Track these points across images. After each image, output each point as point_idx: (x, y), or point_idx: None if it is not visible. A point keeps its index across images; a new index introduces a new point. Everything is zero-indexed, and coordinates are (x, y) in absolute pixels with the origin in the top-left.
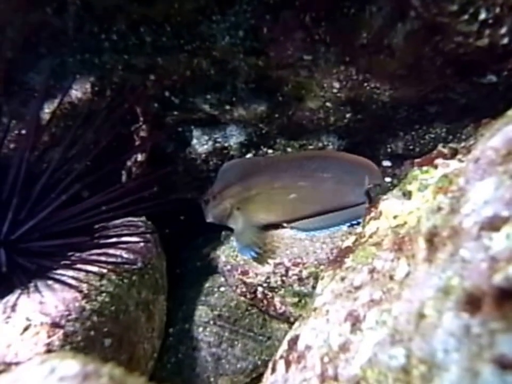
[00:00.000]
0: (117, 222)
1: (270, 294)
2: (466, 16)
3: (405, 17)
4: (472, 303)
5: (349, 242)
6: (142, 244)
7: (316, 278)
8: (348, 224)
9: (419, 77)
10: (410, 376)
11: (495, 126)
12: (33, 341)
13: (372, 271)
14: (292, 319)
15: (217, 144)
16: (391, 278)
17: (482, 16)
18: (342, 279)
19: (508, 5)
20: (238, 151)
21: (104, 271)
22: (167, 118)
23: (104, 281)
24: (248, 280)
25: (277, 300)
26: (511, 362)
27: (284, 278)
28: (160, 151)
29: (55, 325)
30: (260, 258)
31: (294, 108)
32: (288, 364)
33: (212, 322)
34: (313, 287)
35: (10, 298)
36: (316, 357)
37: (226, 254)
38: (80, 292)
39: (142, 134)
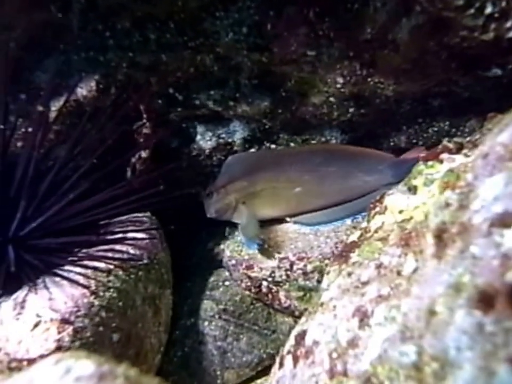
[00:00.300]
0: (123, 218)
1: (274, 288)
2: (472, 10)
3: (409, 12)
4: (484, 300)
5: (354, 237)
6: (147, 240)
7: (321, 272)
8: (351, 218)
9: (423, 71)
10: (423, 374)
11: (503, 121)
12: (43, 337)
13: (379, 266)
14: (296, 313)
15: (221, 140)
16: (399, 273)
17: (488, 10)
18: (349, 274)
19: None
20: (242, 146)
21: (111, 267)
22: (171, 114)
23: (111, 277)
24: (253, 275)
25: (281, 294)
26: None
27: (289, 273)
28: (164, 147)
29: (64, 321)
30: (266, 251)
31: (297, 103)
32: (296, 359)
33: (217, 316)
34: (318, 281)
35: (19, 295)
36: (324, 353)
37: (231, 248)
38: (88, 288)
39: (146, 131)
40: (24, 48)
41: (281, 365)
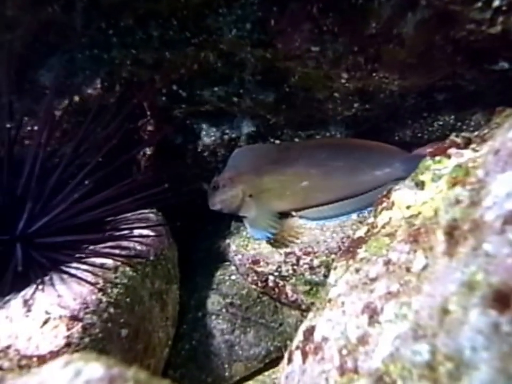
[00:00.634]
0: (129, 215)
1: (281, 283)
2: (479, 4)
3: (415, 6)
4: (499, 300)
5: (361, 232)
6: (154, 236)
7: (327, 267)
8: (358, 213)
9: (429, 66)
10: (437, 373)
11: None
12: (53, 333)
13: (387, 262)
14: (303, 307)
15: (225, 136)
16: (408, 270)
17: (496, 3)
18: (357, 270)
19: None
20: (246, 142)
21: (118, 263)
22: (174, 111)
23: (118, 273)
24: (259, 269)
25: (288, 288)
26: None
27: (295, 267)
28: (169, 144)
29: (73, 318)
30: (276, 243)
31: (302, 98)
32: (305, 355)
33: (224, 310)
34: (325, 276)
35: (28, 292)
36: (334, 349)
37: (237, 243)
38: (96, 284)
39: (150, 128)
40: (28, 47)
41: (289, 360)
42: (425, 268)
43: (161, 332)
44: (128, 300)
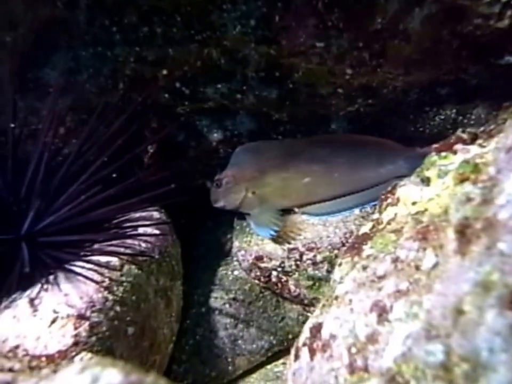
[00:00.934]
0: (133, 213)
1: (284, 278)
2: None
3: (423, 1)
4: None
5: (366, 228)
6: (158, 233)
7: (330, 262)
8: (360, 208)
9: (434, 61)
10: (452, 374)
11: None
12: (60, 333)
13: (395, 260)
14: (306, 301)
15: (228, 132)
16: (417, 268)
17: None
18: (364, 268)
19: None
20: (248, 138)
21: (124, 261)
22: (177, 108)
23: (124, 272)
24: (262, 265)
25: (291, 283)
26: None
27: (298, 263)
28: (171, 140)
29: (81, 317)
30: (279, 239)
31: (305, 94)
32: (312, 352)
33: (227, 305)
34: (328, 271)
35: (34, 291)
36: (342, 347)
37: (240, 239)
38: (102, 283)
39: (153, 125)
40: (31, 45)
41: (296, 356)
42: (435, 266)
43: (166, 328)
44: (134, 297)
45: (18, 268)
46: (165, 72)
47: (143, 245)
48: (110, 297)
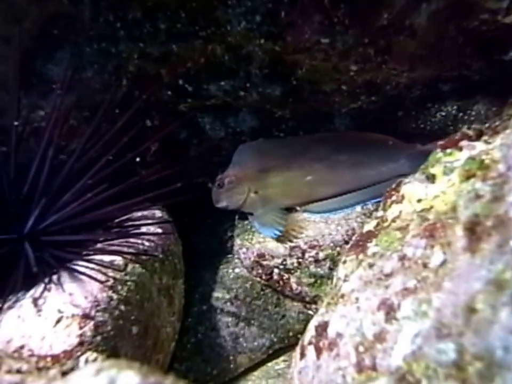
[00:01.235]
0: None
1: (286, 276)
2: None
3: None
4: None
5: (370, 226)
6: (160, 232)
7: (333, 260)
8: (361, 205)
9: (439, 57)
10: (466, 373)
11: None
12: (66, 332)
13: (402, 258)
14: (308, 299)
15: (230, 130)
16: (425, 266)
17: None
18: (370, 266)
19: None
20: (251, 136)
21: (128, 260)
22: (180, 105)
23: (128, 271)
24: (264, 263)
25: (293, 281)
26: None
27: (300, 260)
28: (173, 138)
29: (85, 316)
30: (282, 238)
31: (308, 91)
32: (319, 351)
33: (228, 303)
34: (330, 269)
35: (37, 291)
36: (349, 346)
37: (241, 237)
38: (106, 282)
39: (155, 123)
40: (35, 41)
41: (302, 355)
42: (443, 263)
43: (168, 327)
44: (138, 296)
45: (22, 267)
46: (167, 66)
47: (146, 243)
48: (115, 296)
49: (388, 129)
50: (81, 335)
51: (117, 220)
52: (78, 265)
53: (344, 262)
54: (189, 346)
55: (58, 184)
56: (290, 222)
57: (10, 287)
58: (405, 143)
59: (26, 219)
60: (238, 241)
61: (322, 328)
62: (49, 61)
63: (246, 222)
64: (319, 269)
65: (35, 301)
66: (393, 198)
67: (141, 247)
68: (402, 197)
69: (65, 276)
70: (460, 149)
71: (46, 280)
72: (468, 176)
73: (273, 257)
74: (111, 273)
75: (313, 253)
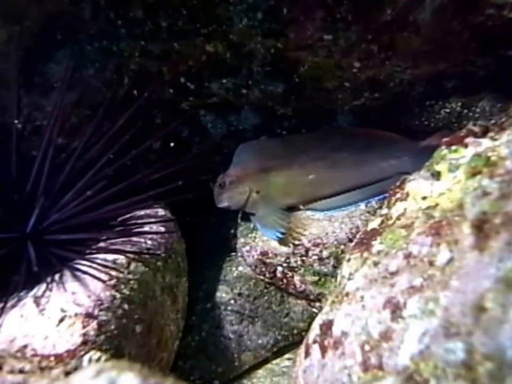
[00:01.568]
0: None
1: (289, 274)
2: None
3: None
4: None
5: (374, 224)
6: (163, 230)
7: (336, 258)
8: (365, 202)
9: (443, 53)
10: (475, 373)
11: None
12: (69, 332)
13: (407, 256)
14: (311, 297)
15: (232, 128)
16: (431, 264)
17: None
18: (375, 264)
19: None
20: (253, 133)
21: (131, 259)
22: (182, 103)
23: (131, 269)
24: (267, 261)
25: (296, 279)
26: None
27: (304, 258)
28: (175, 136)
29: (89, 315)
30: (284, 240)
31: (310, 89)
32: (324, 350)
33: (232, 301)
34: (334, 267)
35: (40, 290)
36: (355, 344)
37: (244, 234)
38: (110, 281)
39: (157, 121)
40: (36, 39)
41: (307, 354)
42: (450, 261)
43: (172, 325)
44: (141, 295)
45: (25, 266)
46: (169, 64)
47: (149, 242)
48: (118, 295)
49: (391, 126)
50: (84, 334)
51: (119, 219)
52: (80, 264)
53: (349, 260)
54: (193, 344)
55: (61, 182)
56: (292, 222)
57: (12, 286)
58: (407, 139)
59: (28, 218)
60: (241, 239)
61: (327, 326)
62: (50, 60)
63: (251, 220)
64: (323, 267)
65: (38, 300)
66: (398, 195)
67: (143, 245)
68: (407, 194)
69: (68, 275)
70: (466, 145)
71: (49, 279)
72: (474, 173)
73: (276, 255)
74: (114, 272)
75: (317, 251)
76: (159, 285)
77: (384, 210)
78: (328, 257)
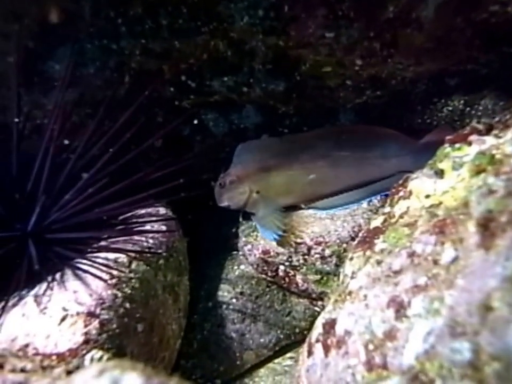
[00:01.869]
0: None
1: (291, 272)
2: None
3: None
4: None
5: (377, 222)
6: (165, 229)
7: (339, 256)
8: (367, 200)
9: (446, 50)
10: (482, 374)
11: None
12: (71, 331)
13: (411, 254)
14: (314, 296)
15: (234, 126)
16: (435, 262)
17: None
18: (378, 262)
19: None
20: (254, 132)
21: (132, 258)
22: (183, 102)
23: (132, 268)
24: (269, 259)
25: (299, 278)
26: None
27: (306, 257)
28: (177, 135)
29: (90, 314)
30: (283, 241)
31: (312, 87)
32: (327, 349)
33: (234, 299)
34: (336, 265)
35: (42, 289)
36: (359, 343)
37: (246, 233)
38: (111, 280)
39: (159, 119)
40: (36, 38)
41: (310, 353)
42: (455, 260)
43: (174, 324)
44: (143, 294)
45: (26, 264)
46: (170, 63)
47: (151, 241)
48: (119, 294)
49: (393, 124)
50: (86, 333)
51: (121, 217)
52: (82, 263)
53: (351, 258)
54: (195, 343)
55: (62, 181)
56: (293, 221)
57: (14, 285)
58: (407, 137)
59: (29, 216)
60: (242, 238)
61: (330, 325)
62: (50, 58)
63: (252, 220)
64: (325, 266)
65: (39, 299)
66: (401, 193)
67: (145, 244)
68: (410, 192)
69: (69, 274)
70: (469, 143)
71: (50, 278)
72: (478, 171)
73: (278, 254)
74: (115, 271)
75: (319, 249)
76: (160, 284)
77: (387, 209)
78: (330, 256)
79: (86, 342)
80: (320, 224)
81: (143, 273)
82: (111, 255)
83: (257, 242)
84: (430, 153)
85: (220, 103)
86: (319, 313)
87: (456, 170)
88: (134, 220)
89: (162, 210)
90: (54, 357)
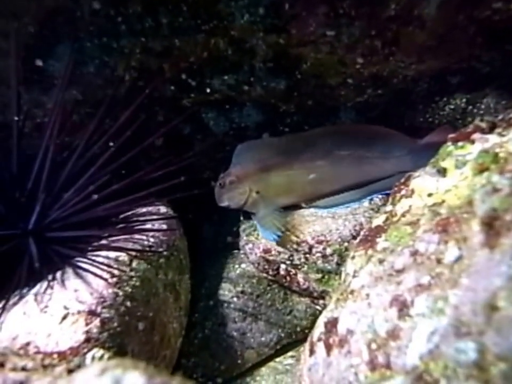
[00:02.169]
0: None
1: (293, 271)
2: None
3: None
4: None
5: (379, 221)
6: (166, 228)
7: (340, 255)
8: (369, 199)
9: (448, 48)
10: (488, 374)
11: None
12: (72, 329)
13: (414, 253)
14: (315, 294)
15: (234, 125)
16: (439, 261)
17: None
18: (380, 261)
19: None
20: (255, 131)
21: (133, 257)
22: (183, 100)
23: (133, 266)
24: (271, 258)
25: (300, 276)
26: None
27: (308, 256)
28: (177, 134)
29: (91, 313)
30: (283, 241)
31: (313, 85)
32: (329, 348)
33: (235, 298)
34: (338, 264)
35: (43, 287)
36: (361, 343)
37: (247, 232)
38: (112, 278)
39: (159, 118)
40: (35, 36)
41: (312, 352)
42: (459, 259)
43: (175, 323)
44: (143, 292)
45: (27, 263)
46: (170, 61)
47: (151, 239)
48: (120, 292)
49: (395, 123)
50: (87, 332)
51: (121, 216)
52: (82, 261)
53: (353, 257)
54: (196, 341)
55: (62, 179)
56: (294, 219)
57: (14, 283)
58: (408, 137)
59: (30, 215)
60: (243, 237)
61: (332, 324)
62: (50, 57)
63: (253, 220)
64: (326, 264)
65: (40, 297)
66: (403, 192)
67: (146, 243)
68: (412, 191)
69: (70, 272)
70: (472, 142)
71: (51, 276)
72: (481, 170)
73: (279, 252)
74: (116, 270)
75: (320, 248)
76: (161, 282)
77: (389, 207)
78: (331, 255)
79: (87, 340)
80: (322, 223)
81: (144, 271)
82: (112, 254)
83: (258, 241)
84: (431, 154)
85: (221, 102)
86: (320, 312)
87: (459, 168)
88: (135, 219)
89: (163, 209)
90: (55, 356)
